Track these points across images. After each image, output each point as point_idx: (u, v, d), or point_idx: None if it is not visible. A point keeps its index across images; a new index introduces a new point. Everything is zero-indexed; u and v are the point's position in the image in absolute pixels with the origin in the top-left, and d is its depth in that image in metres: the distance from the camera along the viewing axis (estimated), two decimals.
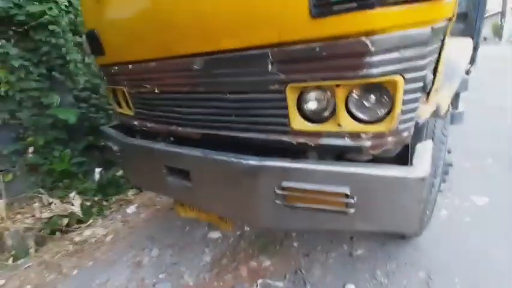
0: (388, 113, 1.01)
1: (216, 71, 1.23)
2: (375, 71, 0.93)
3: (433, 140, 1.33)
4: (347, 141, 1.08)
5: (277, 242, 2.28)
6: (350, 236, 2.30)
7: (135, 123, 1.86)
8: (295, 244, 2.26)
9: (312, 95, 1.11)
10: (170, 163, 1.51)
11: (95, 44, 1.76)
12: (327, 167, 1.05)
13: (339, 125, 1.08)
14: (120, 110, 2.05)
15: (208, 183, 1.36)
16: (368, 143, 1.05)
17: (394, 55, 0.90)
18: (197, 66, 1.27)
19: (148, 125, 1.76)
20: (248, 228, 2.49)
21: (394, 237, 2.20)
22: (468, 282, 1.78)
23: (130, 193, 3.32)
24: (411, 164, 1.01)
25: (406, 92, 0.96)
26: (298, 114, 1.15)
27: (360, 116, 1.05)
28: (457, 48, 1.67)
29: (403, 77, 0.93)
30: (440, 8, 0.88)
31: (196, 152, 1.35)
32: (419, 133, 1.19)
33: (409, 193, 0.97)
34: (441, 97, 1.32)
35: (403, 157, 1.16)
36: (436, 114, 1.26)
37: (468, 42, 2.16)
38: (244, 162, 1.18)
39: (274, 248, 2.22)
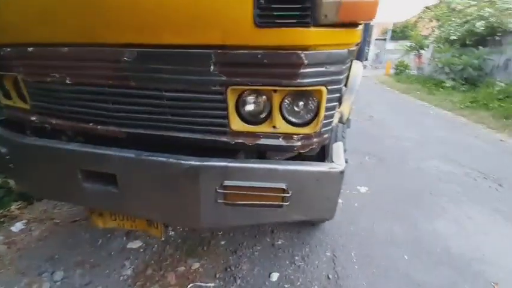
0: (314, 117, 1.19)
1: (152, 66, 1.16)
2: (306, 80, 1.08)
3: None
4: (281, 142, 1.21)
5: (204, 243, 2.28)
6: (271, 228, 2.51)
7: (32, 118, 1.53)
8: (223, 242, 2.31)
9: (251, 98, 1.19)
10: (88, 166, 1.32)
11: None
12: (268, 165, 1.15)
13: (274, 127, 1.20)
14: (7, 102, 1.64)
15: (139, 187, 1.26)
16: (298, 143, 1.22)
17: (322, 69, 1.08)
18: (128, 58, 1.16)
19: (52, 121, 1.48)
20: (173, 233, 2.39)
21: (306, 224, 2.53)
22: (361, 254, 2.23)
23: (14, 207, 2.64)
24: (332, 160, 1.23)
25: (328, 100, 1.16)
26: (236, 115, 1.21)
27: (292, 119, 1.20)
28: (354, 68, 2.08)
29: (326, 88, 1.12)
30: (354, 34, 1.11)
31: (127, 153, 1.23)
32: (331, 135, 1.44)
33: (333, 184, 1.18)
34: (345, 106, 1.63)
35: (319, 155, 1.39)
36: (340, 120, 1.56)
37: (359, 64, 2.71)
38: (184, 163, 1.16)
39: (202, 250, 2.21)
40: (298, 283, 1.94)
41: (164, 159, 1.18)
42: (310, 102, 1.18)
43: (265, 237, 2.39)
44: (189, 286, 1.88)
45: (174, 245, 2.25)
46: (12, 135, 1.48)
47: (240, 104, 1.19)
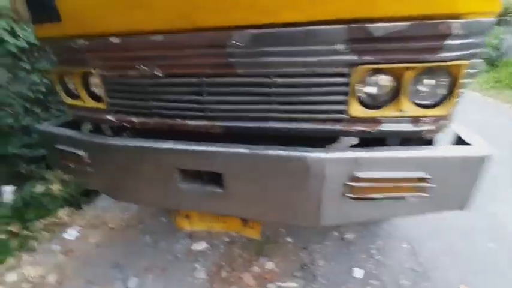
0: (447, 97, 1.06)
1: (263, 49, 1.03)
2: (450, 54, 0.95)
3: None
4: (408, 126, 1.08)
5: (271, 241, 2.17)
6: None
7: (109, 118, 1.40)
8: (289, 239, 2.20)
9: (375, 78, 1.06)
10: (188, 166, 1.20)
11: (43, 6, 1.24)
12: (405, 153, 1.03)
13: (400, 110, 1.07)
14: (72, 102, 1.52)
15: (250, 186, 1.14)
16: (426, 127, 1.08)
17: (468, 40, 0.94)
18: (237, 42, 1.03)
19: (133, 119, 1.35)
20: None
21: None
22: (442, 243, 2.09)
23: (62, 213, 2.55)
24: (467, 143, 1.10)
25: (465, 77, 1.02)
26: (356, 99, 1.08)
27: (421, 100, 1.07)
28: None
29: (467, 61, 0.99)
30: (498, 2, 0.96)
31: (238, 149, 1.10)
32: None
33: (475, 171, 1.04)
34: None
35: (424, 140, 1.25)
36: None
37: None
38: (311, 155, 1.03)
39: (271, 248, 2.11)
40: (385, 278, 1.83)
41: (285, 153, 1.06)
42: (444, 79, 1.04)
43: (332, 231, 2.28)
44: (269, 287, 1.79)
45: (240, 245, 2.15)
46: (93, 137, 1.36)
47: (360, 86, 1.06)
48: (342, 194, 1.07)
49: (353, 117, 1.09)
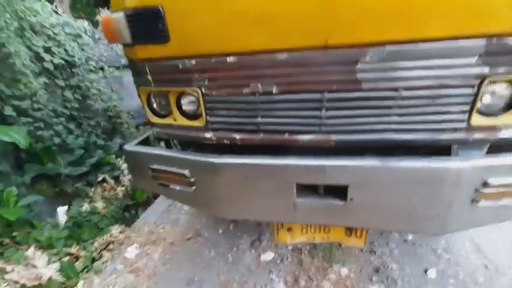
0: None
1: (395, 64, 1.06)
2: None
3: None
4: None
5: (336, 247, 2.19)
6: None
7: (207, 135, 1.40)
8: None
9: (496, 88, 1.11)
10: (310, 180, 1.21)
11: (151, 28, 1.23)
12: None
13: None
14: (163, 121, 1.51)
15: (377, 197, 1.16)
16: None
17: None
18: (372, 58, 1.06)
19: (235, 136, 1.36)
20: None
21: None
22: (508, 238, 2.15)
23: (115, 231, 2.51)
24: None
25: None
26: (477, 109, 1.12)
27: None
28: None
29: None
30: None
31: (369, 161, 1.13)
32: None
33: None
34: None
35: None
36: None
37: None
38: (449, 165, 1.06)
39: (339, 253, 2.13)
40: (461, 276, 1.88)
41: (421, 163, 1.09)
42: None
43: (394, 233, 2.32)
44: None
45: (307, 253, 2.16)
46: (200, 156, 1.35)
47: (483, 96, 1.11)
48: (472, 201, 1.11)
49: (473, 126, 1.13)
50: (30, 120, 2.48)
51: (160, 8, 1.18)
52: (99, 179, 3.11)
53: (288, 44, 1.11)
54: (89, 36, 3.56)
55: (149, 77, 1.39)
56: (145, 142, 1.71)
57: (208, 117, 1.38)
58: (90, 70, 3.46)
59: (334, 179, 1.18)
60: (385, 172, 1.12)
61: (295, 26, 1.07)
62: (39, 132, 2.51)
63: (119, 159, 3.43)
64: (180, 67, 1.29)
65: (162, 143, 1.82)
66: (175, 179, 1.43)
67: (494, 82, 1.07)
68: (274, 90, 1.21)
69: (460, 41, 0.99)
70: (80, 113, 3.30)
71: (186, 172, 1.37)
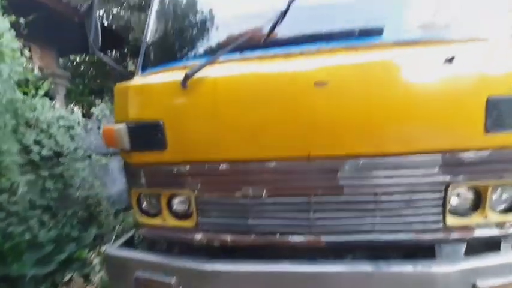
0: None
1: (370, 174, 1.21)
2: None
3: None
4: (495, 231, 1.24)
5: None
6: None
7: (198, 236, 1.39)
8: None
9: (461, 192, 1.26)
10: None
11: (150, 138, 1.36)
12: None
13: (485, 217, 1.24)
14: (152, 222, 1.50)
15: None
16: (510, 231, 1.25)
17: None
18: (349, 168, 1.20)
19: (225, 237, 1.36)
20: None
21: None
22: None
23: None
24: None
25: None
26: (450, 211, 1.24)
27: (502, 208, 1.26)
28: None
29: None
30: None
31: (362, 268, 1.14)
32: None
33: None
34: None
35: None
36: None
37: None
38: (438, 270, 1.10)
39: None
40: None
41: (411, 269, 1.12)
42: None
43: None
44: None
45: None
46: (190, 262, 1.30)
47: (452, 200, 1.24)
48: None
49: (449, 226, 1.23)
50: (2, 216, 2.33)
51: (161, 122, 1.33)
52: (66, 278, 2.76)
53: (275, 154, 1.26)
54: (82, 126, 3.72)
55: (143, 180, 1.45)
56: (129, 243, 1.64)
57: (199, 218, 1.40)
58: (77, 159, 3.49)
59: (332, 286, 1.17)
60: (379, 278, 1.13)
61: (281, 139, 1.24)
62: (10, 228, 2.33)
63: (91, 252, 3.14)
64: (175, 171, 1.37)
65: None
66: None
67: (458, 187, 1.22)
68: (264, 194, 1.29)
69: (421, 155, 1.18)
70: (58, 203, 3.16)
71: (173, 281, 1.29)
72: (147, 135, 1.37)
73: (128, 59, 8.75)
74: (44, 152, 2.92)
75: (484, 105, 1.09)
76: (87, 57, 8.81)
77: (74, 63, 9.17)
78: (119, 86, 1.47)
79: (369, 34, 1.28)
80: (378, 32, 1.29)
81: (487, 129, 1.12)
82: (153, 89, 1.38)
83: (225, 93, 1.26)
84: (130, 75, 1.65)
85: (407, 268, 1.12)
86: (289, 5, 1.25)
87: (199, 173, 1.34)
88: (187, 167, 1.35)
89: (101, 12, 5.75)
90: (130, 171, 1.50)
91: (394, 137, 1.17)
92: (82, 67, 9.74)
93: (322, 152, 1.22)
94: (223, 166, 1.30)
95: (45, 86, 3.09)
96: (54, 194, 3.10)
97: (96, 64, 8.63)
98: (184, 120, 1.32)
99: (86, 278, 2.92)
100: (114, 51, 8.67)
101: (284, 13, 1.26)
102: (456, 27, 1.31)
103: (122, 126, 1.39)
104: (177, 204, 1.47)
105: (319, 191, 1.25)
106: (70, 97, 7.91)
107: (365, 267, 1.14)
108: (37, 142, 2.89)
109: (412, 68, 1.15)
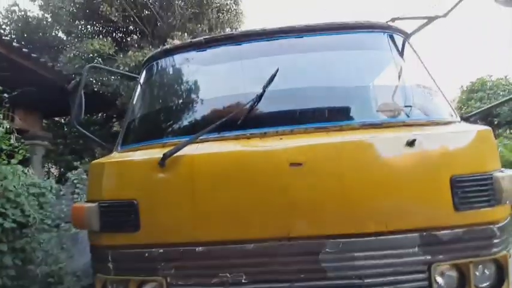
0: (501, 281, 1.24)
1: (352, 255, 1.17)
2: (496, 249, 1.20)
3: None
4: None
5: None
6: None
7: None
8: None
9: (446, 272, 1.22)
10: None
11: (123, 218, 1.29)
12: None
13: None
14: None
15: None
16: None
17: (504, 236, 1.23)
18: (330, 249, 1.16)
19: None
20: None
21: None
22: None
23: None
24: None
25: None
26: None
27: (487, 284, 1.22)
28: None
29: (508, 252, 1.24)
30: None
31: None
32: None
33: None
34: None
35: None
36: None
37: None
38: None
39: None
40: None
41: None
42: (496, 268, 1.25)
43: None
44: None
45: None
46: None
47: (437, 278, 1.20)
48: None
49: None
50: None
51: (136, 202, 1.28)
52: None
53: (254, 235, 1.21)
54: (53, 193, 3.52)
55: (110, 265, 1.32)
56: None
57: None
58: (44, 229, 3.20)
59: None
60: None
61: (260, 219, 1.21)
62: None
63: None
64: (146, 255, 1.27)
65: None
66: None
67: (440, 266, 1.19)
68: (243, 280, 1.20)
69: (400, 234, 1.17)
70: (15, 281, 2.77)
71: None
72: (119, 215, 1.30)
73: (114, 120, 8.89)
74: (7, 225, 2.67)
75: (449, 185, 1.14)
76: (69, 120, 8.88)
77: (58, 124, 9.15)
78: (94, 163, 1.44)
79: (338, 117, 1.39)
80: (346, 115, 1.40)
81: (456, 208, 1.16)
82: (129, 166, 1.36)
83: (202, 170, 1.26)
84: (109, 150, 1.64)
85: None
86: (264, 89, 1.37)
87: (173, 257, 1.25)
88: (160, 251, 1.25)
89: (92, 79, 6.00)
90: (96, 256, 1.37)
91: (370, 215, 1.18)
92: (65, 128, 9.72)
93: (302, 233, 1.18)
94: (199, 249, 1.22)
95: (20, 156, 2.99)
96: (11, 271, 2.73)
97: (80, 125, 8.63)
98: (159, 199, 1.28)
99: None
100: (101, 114, 8.84)
101: (260, 96, 1.37)
102: (416, 110, 1.45)
103: (93, 206, 1.32)
104: None
105: (302, 275, 1.17)
106: (49, 157, 7.68)
107: None
108: (1, 214, 2.66)
109: (381, 148, 1.22)
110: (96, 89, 6.24)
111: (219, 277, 1.20)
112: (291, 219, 1.19)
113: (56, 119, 9.09)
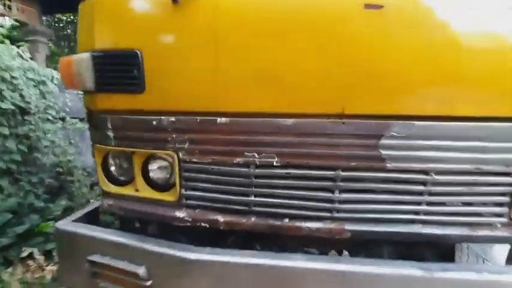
0: None
1: (425, 143, 0.88)
2: None
3: None
4: None
5: None
6: None
7: (180, 215, 1.04)
8: None
9: None
10: None
11: (124, 74, 0.98)
12: None
13: None
14: (120, 191, 1.15)
15: None
16: None
17: None
18: (397, 133, 0.87)
19: (220, 218, 1.01)
20: None
21: None
22: None
23: None
24: None
25: None
26: None
27: None
28: None
29: None
30: None
31: (408, 270, 0.82)
32: None
33: None
34: None
35: None
36: None
37: None
38: None
39: None
40: None
41: (476, 275, 0.81)
42: None
43: None
44: None
45: None
46: (166, 247, 0.95)
47: None
48: None
49: None
50: None
51: (139, 53, 0.95)
52: (24, 254, 2.39)
53: (295, 108, 0.90)
54: (56, 84, 3.25)
55: (110, 133, 1.07)
56: (90, 217, 1.27)
57: (183, 190, 1.04)
58: (48, 119, 3.04)
59: None
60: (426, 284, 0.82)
61: (305, 87, 0.88)
62: None
63: None
64: (154, 124, 1.00)
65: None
66: (125, 281, 0.98)
67: None
68: (275, 162, 0.94)
69: (500, 123, 0.85)
70: (21, 167, 2.74)
71: (141, 271, 0.94)
72: (118, 70, 0.99)
73: None
74: (5, 106, 2.47)
75: None
76: (74, 19, 8.12)
77: (60, 23, 8.43)
78: (86, 2, 1.06)
79: None
80: None
81: None
82: (131, 3, 0.98)
83: (232, 8, 0.89)
84: None
85: (468, 275, 0.81)
86: None
87: (187, 127, 0.98)
88: (172, 119, 0.98)
89: None
90: (94, 122, 1.12)
91: (463, 93, 0.84)
92: (69, 29, 9.00)
93: (361, 110, 0.87)
94: (221, 120, 0.94)
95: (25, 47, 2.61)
96: (16, 156, 2.67)
97: None
98: (171, 50, 0.95)
99: (49, 254, 2.56)
100: None
101: None
102: None
103: (84, 56, 1.01)
104: (155, 170, 1.11)
105: (351, 163, 0.91)
106: (53, 60, 7.27)
107: (413, 270, 0.82)
108: None
109: None
110: None
111: (244, 156, 0.95)
112: (349, 89, 0.86)
113: (58, 16, 8.31)
